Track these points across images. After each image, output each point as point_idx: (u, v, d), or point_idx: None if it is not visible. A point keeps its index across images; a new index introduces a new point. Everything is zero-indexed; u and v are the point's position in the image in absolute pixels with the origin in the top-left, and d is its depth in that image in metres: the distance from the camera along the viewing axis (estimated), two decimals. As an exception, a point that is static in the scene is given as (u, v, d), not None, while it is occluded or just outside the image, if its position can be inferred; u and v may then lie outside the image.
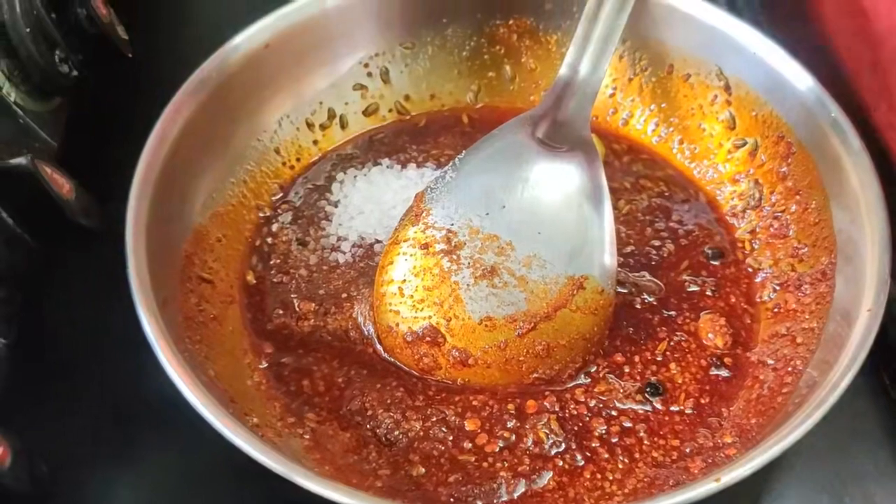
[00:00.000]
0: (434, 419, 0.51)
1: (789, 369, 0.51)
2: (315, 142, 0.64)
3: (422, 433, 0.50)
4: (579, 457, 0.49)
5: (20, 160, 0.46)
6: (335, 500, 0.41)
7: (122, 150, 0.62)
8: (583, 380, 0.52)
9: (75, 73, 0.59)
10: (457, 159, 0.56)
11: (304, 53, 0.62)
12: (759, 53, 0.58)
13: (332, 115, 0.65)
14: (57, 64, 0.57)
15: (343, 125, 0.65)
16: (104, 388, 0.53)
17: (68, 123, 0.62)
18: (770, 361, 0.52)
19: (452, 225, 0.54)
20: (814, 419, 0.44)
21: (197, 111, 0.56)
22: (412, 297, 0.53)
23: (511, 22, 0.66)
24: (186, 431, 0.48)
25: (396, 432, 0.50)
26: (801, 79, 0.56)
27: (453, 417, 0.51)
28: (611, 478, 0.49)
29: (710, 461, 0.48)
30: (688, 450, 0.49)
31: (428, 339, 0.52)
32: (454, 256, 0.53)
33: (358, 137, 0.66)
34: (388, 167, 0.63)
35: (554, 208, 0.54)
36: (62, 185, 0.48)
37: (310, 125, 0.64)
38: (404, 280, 0.53)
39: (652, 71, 0.64)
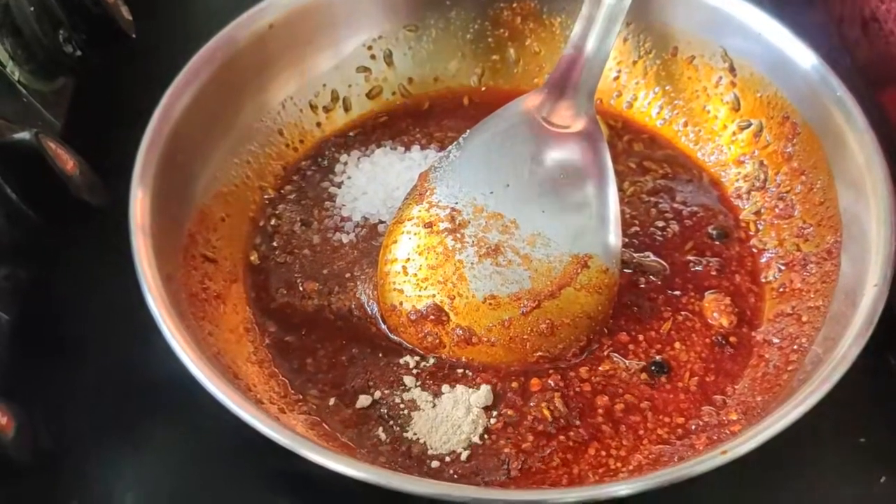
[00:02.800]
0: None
1: (795, 347, 0.51)
2: (318, 124, 0.64)
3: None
4: (583, 434, 0.49)
5: (24, 135, 0.46)
6: (340, 472, 0.41)
7: (125, 129, 0.62)
8: (587, 358, 0.52)
9: (79, 52, 0.59)
10: (461, 138, 0.56)
11: (308, 35, 0.62)
12: (763, 34, 0.58)
13: (335, 97, 0.65)
14: (61, 43, 0.57)
15: (346, 107, 0.65)
16: (108, 364, 0.53)
17: (72, 103, 0.62)
18: (775, 340, 0.52)
19: (457, 203, 0.54)
20: (817, 396, 0.44)
21: (201, 91, 0.56)
22: (416, 275, 0.53)
23: (515, 4, 0.66)
24: (190, 406, 0.48)
25: (398, 409, 0.50)
26: (805, 58, 0.56)
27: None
28: (615, 454, 0.48)
29: (715, 438, 0.48)
30: (693, 427, 0.49)
31: (432, 317, 0.52)
32: (458, 235, 0.53)
33: (361, 120, 0.66)
34: (391, 149, 0.63)
35: (558, 187, 0.54)
36: (66, 160, 0.48)
37: (313, 107, 0.64)
38: (408, 259, 0.53)
39: (656, 53, 0.64)
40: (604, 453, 0.49)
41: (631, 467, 0.48)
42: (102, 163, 0.55)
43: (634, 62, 0.65)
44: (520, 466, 0.48)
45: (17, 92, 0.57)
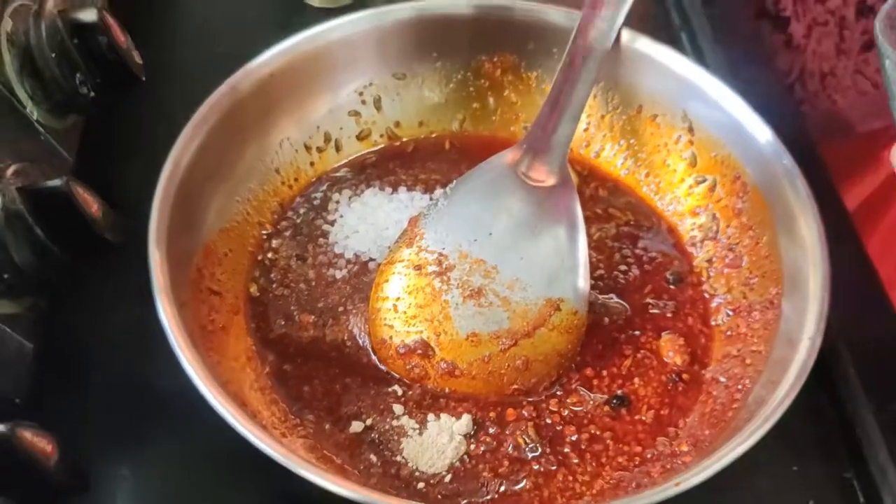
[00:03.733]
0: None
1: (739, 387, 0.57)
2: (312, 163, 0.69)
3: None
4: (553, 460, 0.55)
5: (56, 182, 0.51)
6: (340, 494, 0.46)
7: (132, 163, 0.67)
8: (557, 391, 0.58)
9: (93, 94, 0.63)
10: (448, 188, 0.62)
11: (305, 82, 0.67)
12: (720, 102, 0.64)
13: (328, 138, 0.70)
14: (77, 86, 0.61)
15: (338, 148, 0.70)
16: (119, 388, 0.58)
17: (82, 140, 0.66)
18: (722, 379, 0.59)
19: (444, 249, 0.59)
20: (761, 432, 0.50)
21: (208, 136, 0.60)
22: (405, 313, 0.58)
23: (496, 58, 0.71)
24: (194, 425, 0.53)
25: (388, 434, 0.56)
26: (758, 128, 0.62)
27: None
28: (580, 480, 0.54)
29: (668, 467, 0.54)
30: (649, 455, 0.55)
31: (419, 351, 0.58)
32: (445, 277, 0.58)
33: (351, 160, 0.71)
34: (380, 189, 0.68)
35: (535, 237, 0.60)
36: (91, 203, 0.52)
37: (307, 147, 0.69)
38: (398, 297, 0.59)
39: (623, 109, 0.70)
40: (570, 478, 0.55)
41: (594, 491, 0.54)
42: (110, 196, 0.60)
43: (603, 116, 0.71)
44: (497, 489, 0.54)
45: (36, 130, 0.61)
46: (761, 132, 0.62)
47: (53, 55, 0.59)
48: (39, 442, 0.42)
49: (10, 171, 0.52)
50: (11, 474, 0.42)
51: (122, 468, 0.55)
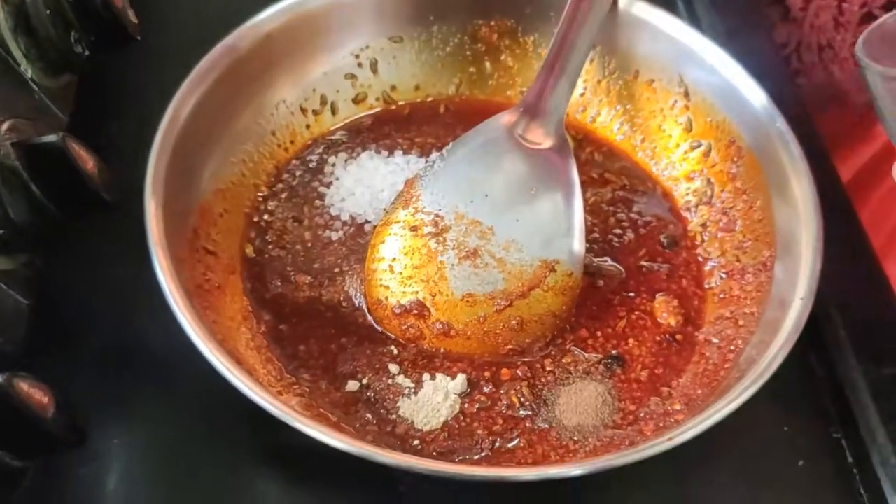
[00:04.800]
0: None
1: (731, 348, 0.58)
2: (307, 126, 0.69)
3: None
4: (547, 419, 0.56)
5: (52, 138, 0.50)
6: (337, 448, 0.47)
7: (125, 122, 0.67)
8: (551, 351, 0.59)
9: (87, 52, 0.62)
10: (445, 150, 0.62)
11: (302, 43, 0.67)
12: (716, 66, 0.64)
13: (323, 101, 0.70)
14: (72, 44, 0.61)
15: (334, 111, 0.70)
16: (114, 345, 0.58)
17: (76, 99, 0.66)
18: (715, 340, 0.59)
19: (440, 210, 0.59)
20: (752, 390, 0.50)
21: (205, 95, 0.60)
22: (401, 273, 0.59)
23: (493, 22, 0.71)
24: (193, 386, 0.54)
25: (384, 393, 0.56)
26: (753, 92, 0.62)
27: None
28: (574, 438, 0.55)
29: (661, 425, 0.55)
30: (642, 414, 0.56)
31: (414, 312, 0.58)
32: (441, 239, 0.59)
33: (347, 123, 0.71)
34: (376, 152, 0.68)
35: (531, 199, 0.60)
36: (87, 160, 0.52)
37: (304, 110, 0.69)
38: (394, 258, 0.59)
39: (619, 74, 0.70)
40: (564, 436, 0.55)
41: (588, 449, 0.54)
42: (104, 155, 0.60)
43: (599, 81, 0.71)
44: (491, 446, 0.54)
45: (30, 88, 0.60)
46: (756, 96, 0.62)
47: (48, 13, 0.59)
48: (36, 393, 0.42)
49: (4, 126, 0.51)
50: (7, 425, 0.42)
51: (118, 424, 0.55)
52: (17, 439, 0.43)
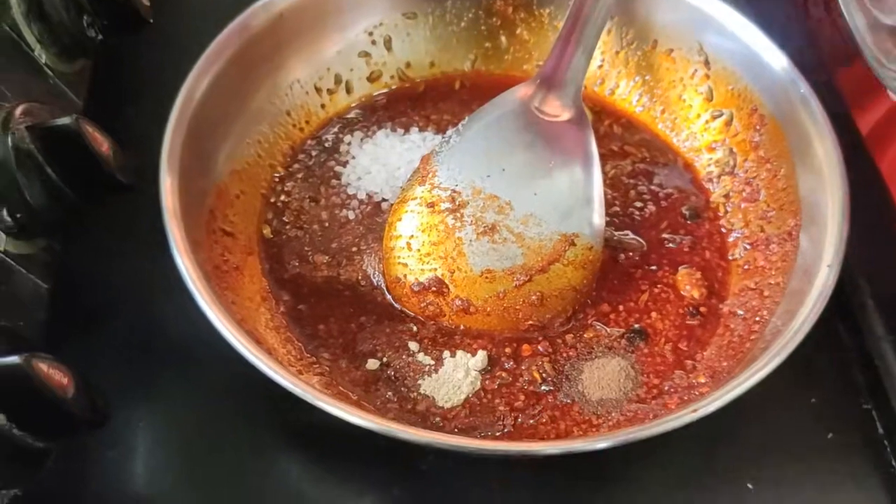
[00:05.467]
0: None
1: (757, 319, 0.57)
2: (323, 105, 0.69)
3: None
4: (569, 394, 0.55)
5: (66, 120, 0.50)
6: (359, 425, 0.47)
7: (140, 107, 0.67)
8: (573, 326, 0.58)
9: (100, 37, 0.62)
10: (460, 125, 0.61)
11: (315, 22, 0.66)
12: (737, 33, 0.63)
13: (338, 80, 0.69)
14: (85, 28, 0.61)
15: (348, 90, 0.70)
16: (134, 328, 0.58)
17: (90, 83, 0.66)
18: (740, 312, 0.58)
19: (457, 185, 0.59)
20: (776, 362, 0.49)
21: (219, 75, 0.60)
22: (419, 251, 0.58)
23: (507, -5, 0.70)
24: (212, 367, 0.54)
25: (404, 371, 0.56)
26: (774, 57, 0.61)
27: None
28: (597, 412, 0.54)
29: (685, 398, 0.54)
30: (666, 388, 0.55)
31: (433, 289, 0.57)
32: (458, 214, 0.58)
33: (362, 102, 0.70)
34: (391, 130, 0.68)
35: (549, 172, 0.59)
36: (101, 143, 0.52)
37: (318, 89, 0.68)
38: (412, 235, 0.58)
39: (637, 45, 0.69)
40: (587, 411, 0.54)
41: (611, 423, 0.54)
42: (119, 139, 0.59)
43: (617, 52, 0.70)
44: (513, 422, 0.54)
45: (45, 73, 0.60)
46: (777, 60, 0.61)
47: (60, -3, 0.59)
48: (55, 374, 0.42)
49: (18, 110, 0.51)
50: (28, 406, 0.42)
51: (142, 406, 0.55)
52: (37, 420, 0.43)
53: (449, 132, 0.62)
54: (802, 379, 0.58)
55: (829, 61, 0.68)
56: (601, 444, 0.49)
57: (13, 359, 0.41)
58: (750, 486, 0.54)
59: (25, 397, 0.42)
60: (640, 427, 0.48)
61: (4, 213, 0.51)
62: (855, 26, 0.47)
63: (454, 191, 0.58)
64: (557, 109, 0.61)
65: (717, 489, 0.55)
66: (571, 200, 0.59)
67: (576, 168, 0.59)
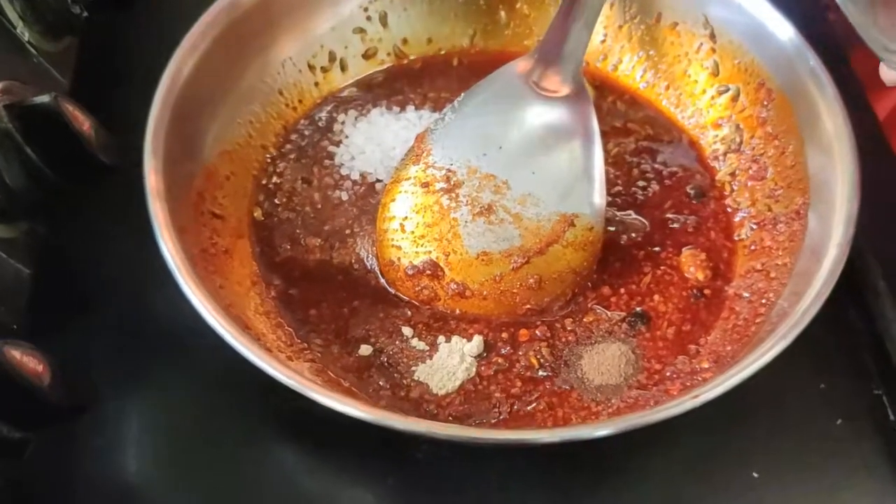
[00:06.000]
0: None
1: (763, 301, 0.55)
2: (316, 84, 0.67)
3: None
4: (568, 381, 0.53)
5: (44, 97, 0.49)
6: (347, 413, 0.45)
7: (127, 87, 0.65)
8: (572, 310, 0.56)
9: (86, 14, 0.61)
10: (456, 102, 0.59)
11: (307, -3, 0.64)
12: (742, 4, 0.60)
13: (332, 57, 0.67)
14: (69, 5, 0.59)
15: (343, 68, 0.68)
16: (122, 314, 0.57)
17: (76, 62, 0.64)
18: (746, 294, 0.56)
19: (452, 165, 0.57)
20: (782, 345, 0.47)
21: (207, 53, 0.58)
22: (413, 232, 0.56)
23: (506, -32, 0.68)
24: (197, 350, 0.52)
25: (397, 357, 0.54)
26: (782, 29, 0.59)
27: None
28: (596, 399, 0.53)
29: (688, 384, 0.52)
30: (668, 373, 0.53)
31: (428, 272, 0.56)
32: (453, 195, 0.56)
33: (357, 80, 0.68)
34: (387, 109, 0.66)
35: (548, 150, 0.57)
36: (82, 122, 0.51)
37: (311, 67, 0.66)
38: (406, 217, 0.56)
39: (641, 19, 0.66)
40: (586, 398, 0.53)
41: (611, 410, 0.52)
42: (107, 120, 0.58)
43: (620, 27, 0.67)
44: (509, 410, 0.52)
45: (28, 52, 0.59)
46: (786, 33, 0.58)
47: (41, -27, 0.57)
48: (30, 361, 0.41)
49: (-4, 89, 0.50)
50: (2, 395, 0.41)
51: (127, 394, 0.54)
52: (12, 409, 0.42)
53: (444, 110, 0.60)
54: (811, 364, 0.56)
55: (843, 39, 0.66)
56: (601, 432, 0.47)
57: (-17, 346, 0.39)
58: (755, 474, 0.53)
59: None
60: (642, 413, 0.46)
61: (-18, 195, 0.50)
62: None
63: (449, 170, 0.56)
64: (557, 85, 0.59)
65: (721, 478, 0.53)
66: (571, 179, 0.57)
67: (576, 146, 0.57)
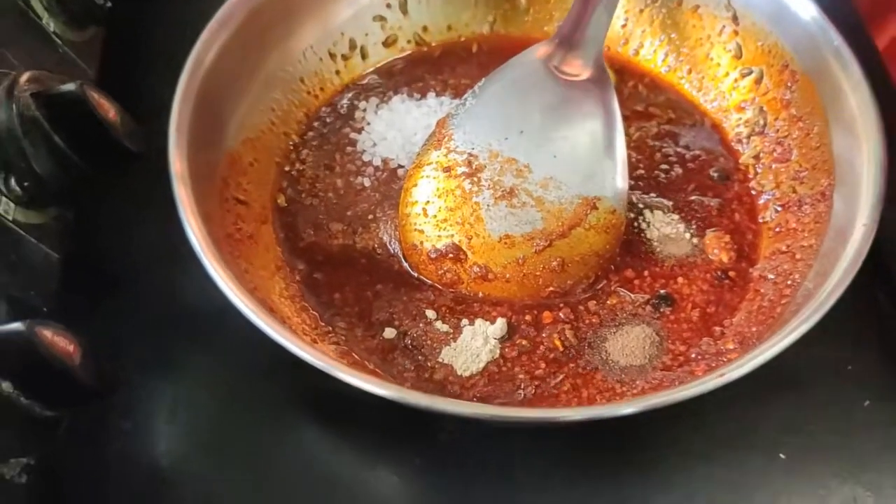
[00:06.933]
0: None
1: (788, 283, 0.54)
2: (337, 72, 0.67)
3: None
4: (592, 362, 0.53)
5: (70, 86, 0.49)
6: (375, 393, 0.45)
7: (152, 75, 0.65)
8: (595, 293, 0.56)
9: (109, 4, 0.61)
10: (477, 87, 0.59)
11: (328, -16, 0.65)
12: (765, -16, 0.60)
13: (353, 45, 0.67)
14: (93, -5, 0.60)
15: (364, 56, 0.68)
16: (149, 299, 0.57)
17: (102, 52, 0.65)
18: (771, 276, 0.56)
19: (473, 149, 0.57)
20: (808, 324, 0.47)
21: (229, 41, 0.58)
22: (436, 217, 0.56)
23: (527, -47, 0.68)
24: (223, 333, 0.53)
25: (421, 339, 0.54)
26: (805, 9, 0.58)
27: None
28: (621, 380, 0.52)
29: (713, 365, 0.52)
30: (693, 355, 0.53)
31: (451, 255, 0.56)
32: (475, 179, 0.56)
33: (378, 68, 0.68)
34: (408, 96, 0.66)
35: (569, 133, 0.57)
36: (108, 109, 0.51)
37: (332, 55, 0.67)
38: (428, 201, 0.57)
39: (662, 2, 0.66)
40: (610, 379, 0.53)
41: (635, 391, 0.52)
42: (132, 108, 0.58)
43: (641, 10, 0.67)
44: (533, 391, 0.52)
45: (54, 43, 0.59)
46: (808, 12, 0.58)
47: (67, -37, 0.58)
48: (60, 341, 0.41)
49: (23, 77, 0.50)
50: (33, 373, 0.41)
51: (155, 376, 0.55)
52: (43, 388, 0.43)
53: (465, 95, 0.60)
54: (839, 346, 0.56)
55: (865, 16, 0.65)
56: (626, 410, 0.46)
57: (16, 325, 0.40)
58: (783, 455, 0.52)
59: (30, 364, 0.41)
60: (667, 392, 0.46)
61: (12, 181, 0.50)
62: None
63: (471, 154, 0.57)
64: (578, 69, 0.59)
65: (747, 459, 0.53)
66: (593, 162, 0.57)
67: (597, 129, 0.57)
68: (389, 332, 0.55)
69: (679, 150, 0.63)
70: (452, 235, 0.56)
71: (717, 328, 0.54)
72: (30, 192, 0.51)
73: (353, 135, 0.64)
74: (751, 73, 0.63)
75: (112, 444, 0.52)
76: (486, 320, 0.55)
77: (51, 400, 0.43)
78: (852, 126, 0.54)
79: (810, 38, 0.58)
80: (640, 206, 0.60)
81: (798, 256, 0.55)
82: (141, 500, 0.51)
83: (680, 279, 0.57)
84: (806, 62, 0.59)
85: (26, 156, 0.50)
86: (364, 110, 0.65)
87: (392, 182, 0.62)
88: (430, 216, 0.56)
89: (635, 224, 0.59)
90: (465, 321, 0.55)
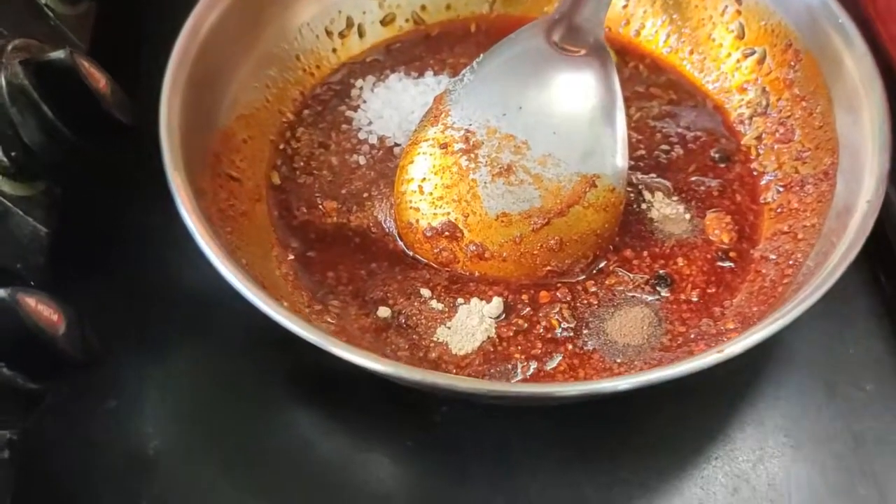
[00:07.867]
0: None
1: (790, 263, 0.53)
2: (334, 50, 0.66)
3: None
4: (589, 342, 0.52)
5: (59, 53, 0.48)
6: (370, 367, 0.44)
7: (145, 51, 0.64)
8: (594, 273, 0.55)
9: (103, -23, 0.60)
10: (475, 62, 0.58)
11: (325, -40, 0.64)
12: (768, -38, 0.59)
13: (350, 23, 0.66)
14: (86, -33, 0.59)
15: (361, 34, 0.67)
16: (139, 275, 0.57)
17: (95, 26, 0.64)
18: (772, 256, 0.55)
19: (471, 125, 0.56)
20: (809, 301, 0.46)
21: (224, 14, 0.58)
22: (431, 194, 0.55)
23: (527, -69, 0.67)
24: (216, 311, 0.52)
25: (416, 318, 0.53)
26: (809, -15, 0.57)
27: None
28: (619, 360, 0.51)
29: (712, 345, 0.51)
30: (692, 335, 0.52)
31: (446, 234, 0.55)
32: (472, 155, 0.55)
33: (375, 47, 0.67)
34: (405, 75, 0.65)
35: (569, 110, 0.56)
36: (98, 78, 0.50)
37: (329, 33, 0.66)
38: (424, 178, 0.56)
39: (664, -18, 0.65)
40: (608, 359, 0.52)
41: (633, 371, 0.51)
42: (126, 83, 0.57)
43: (643, -9, 0.66)
44: (529, 371, 0.51)
45: (45, 15, 0.58)
46: (813, -11, 0.57)
47: (58, -66, 0.57)
48: (44, 310, 0.40)
49: (10, 45, 0.49)
50: (17, 343, 0.40)
51: (142, 354, 0.54)
52: (27, 358, 0.42)
53: (463, 71, 0.59)
54: (840, 329, 0.55)
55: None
56: (624, 385, 0.45)
57: (-1, 291, 0.39)
58: (785, 438, 0.52)
59: (13, 333, 0.40)
60: (665, 367, 0.45)
61: None
62: None
63: (468, 131, 0.56)
64: (578, 43, 0.58)
65: (744, 442, 0.52)
66: (592, 140, 0.55)
67: (597, 106, 0.56)
68: (384, 311, 0.54)
69: (680, 130, 0.62)
70: (448, 213, 0.55)
71: (718, 309, 0.54)
72: (17, 162, 0.50)
73: (349, 112, 0.63)
74: (753, 53, 0.62)
75: (97, 422, 0.52)
76: (482, 299, 0.54)
77: (33, 371, 0.42)
78: (856, 105, 0.54)
79: (814, 16, 0.57)
80: (641, 186, 0.59)
81: (800, 236, 0.54)
82: (125, 478, 0.50)
83: (680, 260, 0.56)
84: (809, 40, 0.58)
85: (14, 125, 0.49)
86: (360, 88, 0.64)
87: (388, 160, 0.61)
88: (426, 193, 0.55)
89: (635, 204, 0.58)
90: (460, 300, 0.54)
